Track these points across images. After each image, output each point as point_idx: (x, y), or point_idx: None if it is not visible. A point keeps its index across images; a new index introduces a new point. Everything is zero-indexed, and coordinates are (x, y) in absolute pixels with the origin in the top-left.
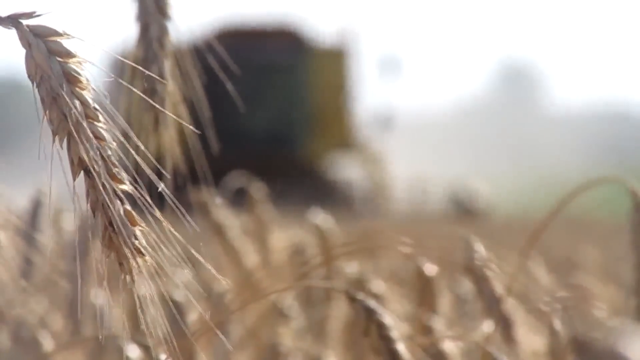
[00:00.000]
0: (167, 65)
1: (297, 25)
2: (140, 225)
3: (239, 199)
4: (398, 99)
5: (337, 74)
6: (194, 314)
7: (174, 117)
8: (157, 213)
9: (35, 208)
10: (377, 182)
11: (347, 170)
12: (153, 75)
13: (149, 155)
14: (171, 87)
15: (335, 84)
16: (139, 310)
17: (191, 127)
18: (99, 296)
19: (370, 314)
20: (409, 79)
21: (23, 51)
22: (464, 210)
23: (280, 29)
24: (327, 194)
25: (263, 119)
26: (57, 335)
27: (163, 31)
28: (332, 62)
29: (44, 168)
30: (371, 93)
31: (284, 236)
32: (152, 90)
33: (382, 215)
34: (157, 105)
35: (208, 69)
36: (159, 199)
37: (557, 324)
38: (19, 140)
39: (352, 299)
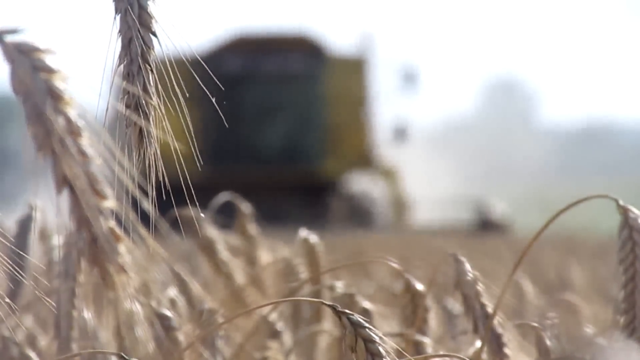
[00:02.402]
0: (152, 79)
1: (314, 33)
2: (124, 242)
3: (229, 216)
4: (414, 111)
5: (356, 85)
6: (182, 330)
7: (159, 132)
8: (142, 230)
9: (23, 225)
10: (395, 197)
11: (364, 185)
12: (136, 90)
13: (134, 171)
14: (155, 101)
15: (354, 95)
16: (124, 327)
17: (176, 142)
18: (86, 312)
19: (357, 328)
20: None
21: (8, 67)
22: (486, 226)
23: (296, 37)
24: (344, 210)
25: (278, 133)
26: (45, 353)
27: (147, 45)
28: (351, 72)
29: (35, 184)
30: (387, 104)
31: (276, 253)
32: (135, 105)
33: (401, 230)
34: (140, 121)
35: (221, 80)
36: (147, 215)
37: (547, 342)
38: (11, 156)
39: (339, 314)
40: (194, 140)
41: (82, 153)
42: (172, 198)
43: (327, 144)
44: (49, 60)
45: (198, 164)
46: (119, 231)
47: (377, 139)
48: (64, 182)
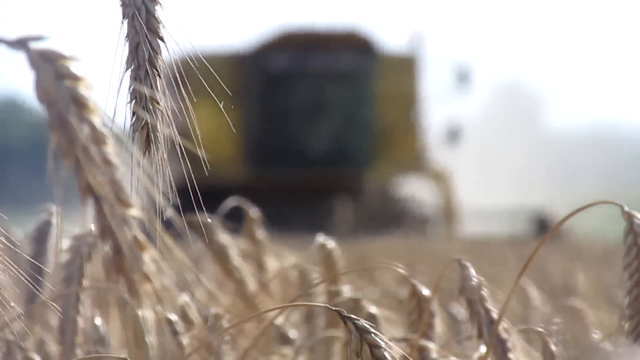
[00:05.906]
0: (160, 84)
1: (363, 30)
2: (149, 251)
3: (239, 221)
4: (465, 112)
5: (406, 84)
6: (189, 335)
7: (167, 136)
8: (167, 240)
9: (37, 232)
10: (446, 203)
11: (414, 190)
12: (144, 94)
13: (148, 176)
14: (163, 106)
15: (404, 95)
16: (140, 332)
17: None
18: (95, 318)
19: (362, 334)
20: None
21: (29, 73)
22: (544, 232)
23: (345, 34)
24: (393, 216)
25: (325, 133)
26: (52, 358)
27: (154, 50)
28: (402, 70)
29: (46, 192)
30: (438, 105)
31: (283, 259)
32: (143, 110)
33: (450, 237)
34: (149, 125)
35: (267, 78)
36: (163, 221)
37: (552, 347)
38: (18, 163)
39: (344, 319)
40: (238, 141)
41: (107, 161)
42: (217, 201)
43: (376, 146)
44: (73, 67)
45: (241, 166)
46: (143, 240)
47: (428, 140)
48: (88, 190)
